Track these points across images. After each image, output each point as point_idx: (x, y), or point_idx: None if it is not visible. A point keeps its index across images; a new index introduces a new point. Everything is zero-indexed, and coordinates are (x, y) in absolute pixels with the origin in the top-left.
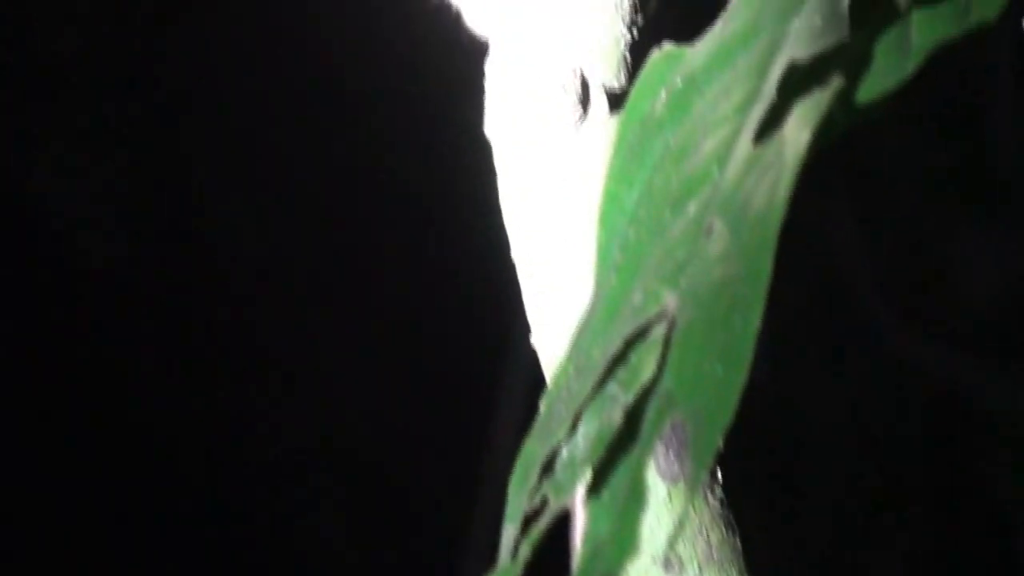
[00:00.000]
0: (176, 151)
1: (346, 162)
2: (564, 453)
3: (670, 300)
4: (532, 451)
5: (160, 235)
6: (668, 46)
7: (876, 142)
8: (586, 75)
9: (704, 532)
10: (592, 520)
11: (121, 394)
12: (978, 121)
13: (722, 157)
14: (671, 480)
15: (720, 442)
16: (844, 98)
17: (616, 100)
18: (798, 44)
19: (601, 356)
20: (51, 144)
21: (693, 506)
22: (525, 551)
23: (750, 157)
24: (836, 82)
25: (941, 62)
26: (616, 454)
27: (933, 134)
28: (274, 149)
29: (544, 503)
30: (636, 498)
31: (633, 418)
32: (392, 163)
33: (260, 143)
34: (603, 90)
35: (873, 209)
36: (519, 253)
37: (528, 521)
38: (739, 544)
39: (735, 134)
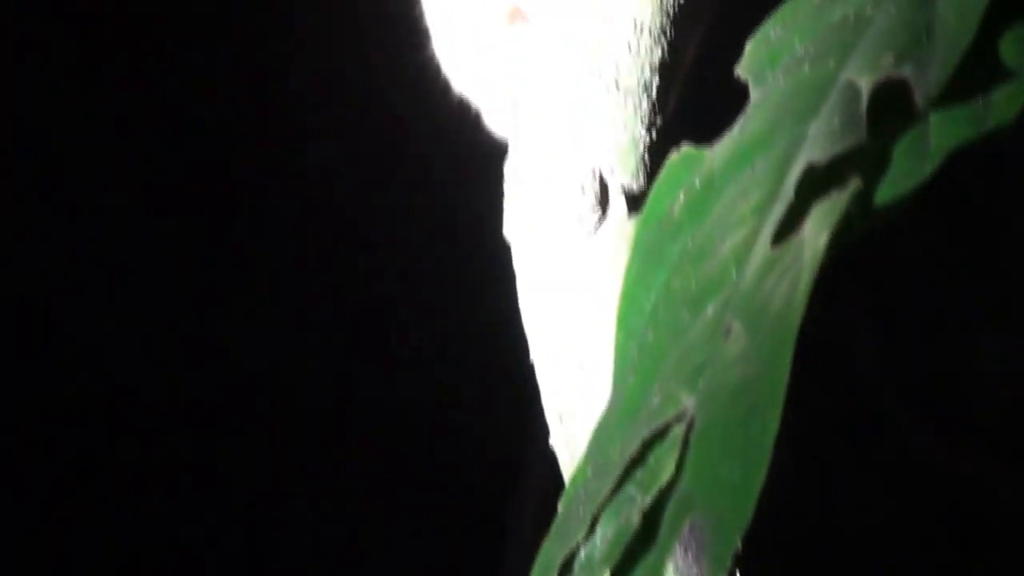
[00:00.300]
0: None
1: (367, 265)
2: (582, 554)
3: (688, 401)
4: (550, 552)
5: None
6: (687, 148)
7: (893, 241)
8: (605, 176)
9: None
10: None
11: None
12: (996, 219)
13: (740, 259)
14: None
15: (738, 543)
16: (862, 200)
17: (634, 201)
18: (816, 146)
19: (619, 457)
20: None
21: None
22: None
23: (768, 259)
24: (854, 184)
25: (958, 159)
26: (634, 556)
27: (950, 232)
28: (294, 260)
29: None
30: None
31: (651, 519)
32: (411, 264)
33: (280, 249)
34: (621, 191)
35: (891, 308)
36: (538, 354)
37: None
38: None
39: (753, 236)
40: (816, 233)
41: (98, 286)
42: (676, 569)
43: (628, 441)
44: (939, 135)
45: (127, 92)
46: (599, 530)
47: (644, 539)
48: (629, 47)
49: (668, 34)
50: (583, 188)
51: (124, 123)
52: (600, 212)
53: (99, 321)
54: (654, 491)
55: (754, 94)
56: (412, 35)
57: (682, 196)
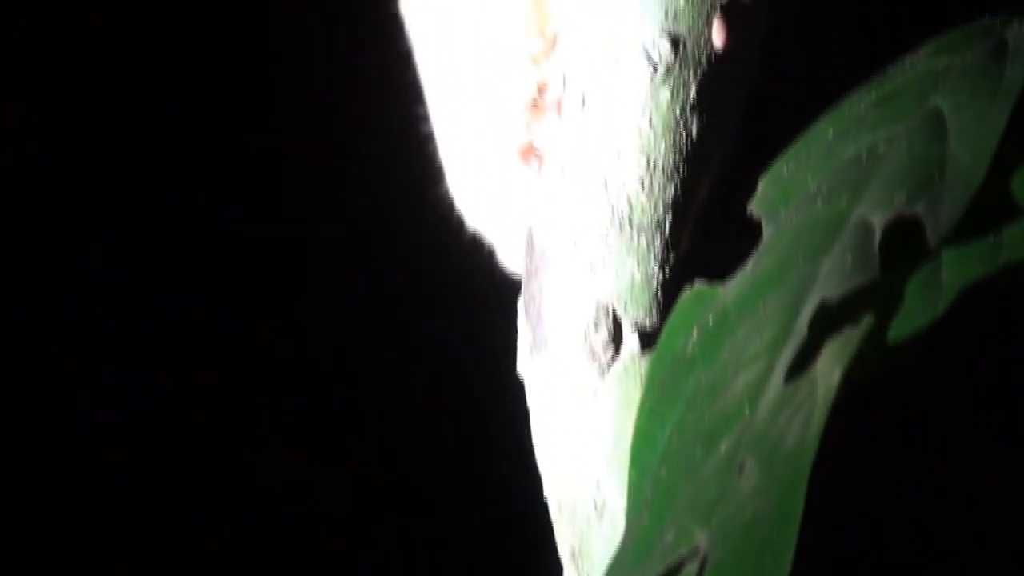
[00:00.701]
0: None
1: (377, 403)
2: None
3: (701, 538)
4: None
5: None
6: (699, 285)
7: (908, 378)
8: (617, 313)
9: None
10: None
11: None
12: (1012, 352)
13: (754, 395)
14: None
15: None
16: (875, 336)
17: (647, 338)
18: (829, 283)
19: None
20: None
21: None
22: None
23: (782, 395)
24: (867, 321)
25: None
26: None
27: (966, 370)
28: (309, 395)
29: None
30: None
31: None
32: (423, 403)
33: (291, 383)
34: (634, 328)
35: (906, 447)
36: (551, 491)
37: None
38: None
39: (767, 372)
40: (829, 370)
41: (99, 285)
42: None
43: None
44: (952, 272)
45: (124, 92)
46: None
47: None
48: (642, 185)
49: (681, 172)
50: (596, 325)
51: (121, 123)
52: (613, 349)
53: (101, 320)
54: None
55: (767, 231)
56: (426, 171)
57: (695, 333)
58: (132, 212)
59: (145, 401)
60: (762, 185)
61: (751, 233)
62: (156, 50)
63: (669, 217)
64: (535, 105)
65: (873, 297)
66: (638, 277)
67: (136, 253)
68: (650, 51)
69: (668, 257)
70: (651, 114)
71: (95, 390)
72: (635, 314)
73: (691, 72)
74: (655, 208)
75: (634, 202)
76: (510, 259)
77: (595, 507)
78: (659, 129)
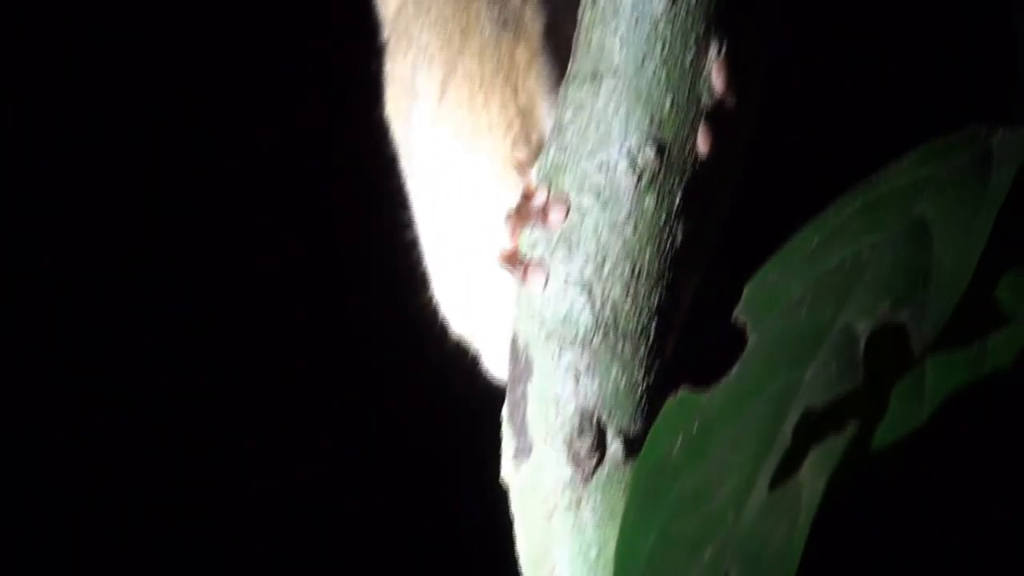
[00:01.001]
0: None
1: (365, 508)
2: None
3: None
4: None
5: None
6: (684, 391)
7: (892, 478)
8: (602, 420)
9: None
10: None
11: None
12: (999, 456)
13: (738, 502)
14: None
15: None
16: (860, 443)
17: (632, 445)
18: (814, 390)
19: None
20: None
21: None
22: None
23: (767, 502)
24: (852, 428)
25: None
26: None
27: (956, 469)
28: (307, 474)
29: None
30: None
31: None
32: (407, 512)
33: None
34: (619, 434)
35: (892, 543)
36: None
37: None
38: None
39: (752, 479)
40: (814, 477)
41: (89, 287)
42: None
43: None
44: (936, 379)
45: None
46: None
47: None
48: (627, 292)
49: (666, 278)
50: (580, 432)
51: (118, 122)
52: (597, 456)
53: (90, 322)
54: None
55: (752, 338)
56: (410, 277)
57: (680, 439)
58: (132, 212)
59: (145, 401)
60: (747, 292)
61: (736, 340)
62: (156, 50)
63: (654, 324)
64: (520, 212)
65: (857, 405)
66: (622, 384)
67: (136, 253)
68: (635, 158)
69: (653, 363)
70: (636, 221)
71: (95, 390)
72: (620, 420)
73: (676, 178)
74: (640, 315)
75: (619, 309)
76: (494, 365)
77: None
78: (644, 236)
